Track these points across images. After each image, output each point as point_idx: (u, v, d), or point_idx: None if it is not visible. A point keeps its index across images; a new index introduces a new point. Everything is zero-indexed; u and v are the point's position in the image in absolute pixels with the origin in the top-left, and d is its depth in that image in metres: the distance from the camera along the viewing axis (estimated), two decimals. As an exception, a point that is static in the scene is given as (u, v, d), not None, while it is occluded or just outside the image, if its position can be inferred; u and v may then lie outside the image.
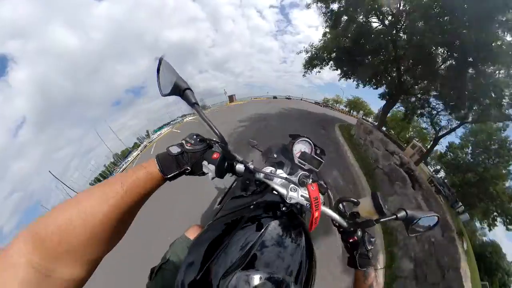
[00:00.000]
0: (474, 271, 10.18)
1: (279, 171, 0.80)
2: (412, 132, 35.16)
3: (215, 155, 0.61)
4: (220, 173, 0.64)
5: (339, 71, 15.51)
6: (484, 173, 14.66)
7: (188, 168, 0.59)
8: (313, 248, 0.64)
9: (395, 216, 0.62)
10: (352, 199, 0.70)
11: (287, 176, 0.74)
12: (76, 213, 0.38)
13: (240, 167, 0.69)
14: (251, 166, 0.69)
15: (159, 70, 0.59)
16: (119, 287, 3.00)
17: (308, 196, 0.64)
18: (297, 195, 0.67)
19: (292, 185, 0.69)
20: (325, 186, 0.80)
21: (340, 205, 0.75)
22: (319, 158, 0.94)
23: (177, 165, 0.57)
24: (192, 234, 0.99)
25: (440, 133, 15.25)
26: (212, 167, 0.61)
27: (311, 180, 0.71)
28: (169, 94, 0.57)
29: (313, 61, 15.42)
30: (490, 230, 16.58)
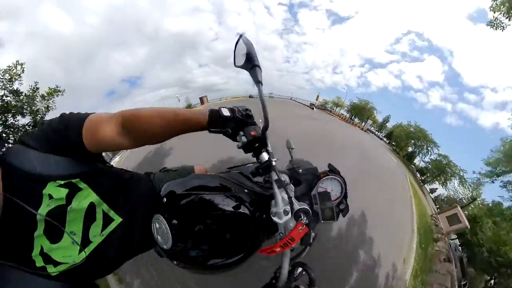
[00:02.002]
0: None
1: (291, 187, 0.77)
2: (412, 147, 29.42)
3: (252, 133, 0.66)
4: (246, 149, 0.69)
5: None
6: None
7: (229, 131, 0.68)
8: (240, 264, 0.71)
9: None
10: (314, 280, 0.63)
11: (292, 197, 0.68)
12: (147, 116, 0.61)
13: (264, 155, 0.69)
14: (273, 163, 0.68)
15: (237, 44, 0.67)
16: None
17: (289, 230, 0.62)
18: (281, 219, 0.64)
19: (287, 207, 0.65)
20: (311, 241, 0.72)
21: (300, 269, 0.67)
22: (334, 212, 0.79)
23: (222, 125, 0.67)
24: (197, 170, 1.16)
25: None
26: (244, 140, 0.67)
27: (306, 220, 0.65)
28: (241, 67, 0.65)
29: None
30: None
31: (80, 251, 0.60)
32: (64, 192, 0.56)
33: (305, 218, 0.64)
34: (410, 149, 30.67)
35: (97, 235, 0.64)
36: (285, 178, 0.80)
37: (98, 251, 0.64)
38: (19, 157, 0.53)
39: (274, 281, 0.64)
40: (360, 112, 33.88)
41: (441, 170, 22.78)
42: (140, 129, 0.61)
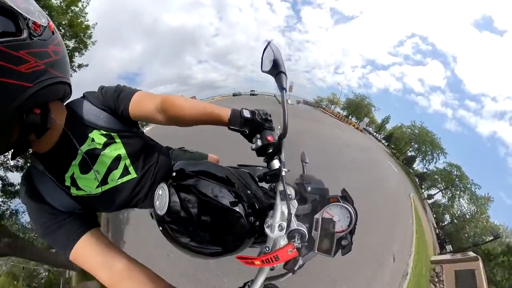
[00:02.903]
0: None
1: (294, 203, 0.69)
2: (415, 152, 25.03)
3: (269, 138, 0.68)
4: (259, 152, 0.71)
5: None
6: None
7: (246, 132, 0.74)
8: (214, 257, 0.75)
9: None
10: None
11: (293, 215, 0.63)
12: (181, 104, 0.75)
13: (275, 163, 0.68)
14: (283, 173, 0.65)
15: (265, 50, 0.68)
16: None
17: (277, 247, 0.60)
18: (273, 233, 0.61)
19: (283, 223, 0.61)
20: (296, 269, 0.67)
21: None
22: (333, 246, 0.66)
23: (241, 124, 0.74)
24: (210, 158, 1.30)
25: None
26: (259, 143, 0.69)
27: (299, 244, 0.61)
28: (267, 72, 0.67)
29: None
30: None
31: (97, 187, 0.74)
32: (103, 139, 0.72)
33: (298, 241, 0.61)
34: (411, 152, 26.44)
35: (114, 180, 0.77)
36: (290, 191, 0.75)
37: (110, 192, 0.77)
38: (80, 106, 0.72)
39: None
40: (356, 109, 29.73)
41: (450, 182, 18.48)
42: (173, 112, 0.74)
